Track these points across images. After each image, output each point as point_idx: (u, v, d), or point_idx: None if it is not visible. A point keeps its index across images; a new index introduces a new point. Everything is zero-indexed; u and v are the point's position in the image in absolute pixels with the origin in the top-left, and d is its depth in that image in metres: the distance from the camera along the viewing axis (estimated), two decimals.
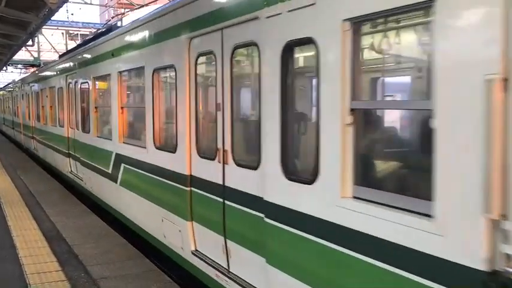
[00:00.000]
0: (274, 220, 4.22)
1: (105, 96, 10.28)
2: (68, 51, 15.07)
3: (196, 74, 5.66)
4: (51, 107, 15.39)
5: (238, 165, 4.85)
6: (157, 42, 6.61)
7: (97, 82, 10.26)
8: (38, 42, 28.85)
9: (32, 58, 30.91)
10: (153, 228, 7.04)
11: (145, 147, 7.15)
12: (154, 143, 6.82)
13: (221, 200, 5.14)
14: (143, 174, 7.29)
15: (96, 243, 7.49)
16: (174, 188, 6.17)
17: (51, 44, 30.23)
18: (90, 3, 31.65)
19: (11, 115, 27.87)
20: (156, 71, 6.75)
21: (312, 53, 3.77)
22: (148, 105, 6.97)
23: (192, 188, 5.78)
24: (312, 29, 3.68)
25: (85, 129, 11.02)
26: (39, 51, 30.65)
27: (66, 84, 12.96)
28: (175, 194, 6.15)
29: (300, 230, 3.91)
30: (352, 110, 3.39)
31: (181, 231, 6.00)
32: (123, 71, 8.40)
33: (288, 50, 4.00)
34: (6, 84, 34.66)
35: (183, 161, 5.85)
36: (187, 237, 5.88)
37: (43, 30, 24.90)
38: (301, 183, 3.88)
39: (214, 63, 5.22)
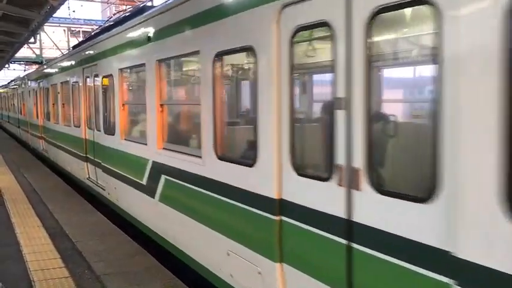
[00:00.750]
0: None
1: (137, 91, 8.55)
2: (84, 41, 12.70)
3: (291, 57, 3.84)
4: (63, 104, 13.38)
5: (385, 193, 3.07)
6: (223, 17, 4.77)
7: (125, 74, 8.29)
8: (40, 40, 28.88)
9: (34, 55, 30.99)
10: (210, 261, 5.31)
11: (200, 157, 5.32)
12: (215, 151, 5.00)
13: (344, 241, 3.38)
14: (197, 191, 5.45)
15: (99, 240, 7.29)
16: (250, 214, 4.41)
17: (53, 41, 30.14)
18: (92, 0, 31.70)
19: (17, 113, 26.12)
20: (220, 56, 4.91)
21: None
22: (207, 101, 5.11)
23: (284, 218, 4.00)
24: None
25: (108, 130, 9.01)
26: (41, 49, 30.48)
27: (83, 79, 10.89)
28: (252, 222, 4.41)
29: None
30: None
31: (263, 273, 4.29)
32: (165, 59, 6.47)
33: None
34: (11, 80, 32.91)
35: (268, 178, 4.08)
36: (273, 284, 4.16)
37: (45, 27, 24.72)
38: None
39: (330, 39, 3.45)
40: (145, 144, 7.01)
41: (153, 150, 6.72)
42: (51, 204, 9.90)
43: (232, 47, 4.69)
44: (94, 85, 9.97)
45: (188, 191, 5.70)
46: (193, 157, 5.53)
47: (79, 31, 38.04)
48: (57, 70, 14.46)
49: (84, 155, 10.87)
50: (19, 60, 32.05)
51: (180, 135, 6.71)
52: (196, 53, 5.40)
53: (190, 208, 5.72)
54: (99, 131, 9.63)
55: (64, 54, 15.55)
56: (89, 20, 38.78)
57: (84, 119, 10.89)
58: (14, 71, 38.99)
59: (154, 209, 6.76)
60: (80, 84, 11.18)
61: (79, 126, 11.36)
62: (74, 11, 33.23)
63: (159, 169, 6.58)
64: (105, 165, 9.27)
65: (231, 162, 4.76)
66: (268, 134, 4.10)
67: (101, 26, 14.76)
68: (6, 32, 17.00)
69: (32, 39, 20.53)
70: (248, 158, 4.47)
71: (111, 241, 7.32)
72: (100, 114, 9.57)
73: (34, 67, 28.42)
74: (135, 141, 7.69)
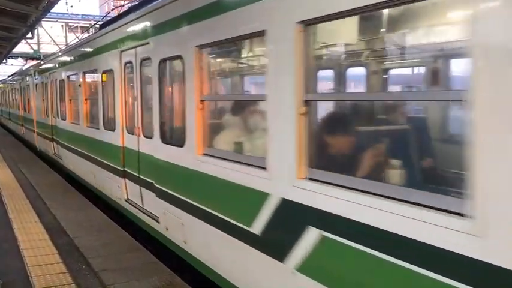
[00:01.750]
0: None
1: (235, 79, 6.51)
2: (120, 15, 9.25)
3: None
4: (86, 100, 10.54)
5: None
6: None
7: (210, 53, 5.59)
8: (38, 35, 28.83)
9: (32, 51, 30.94)
10: None
11: (461, 215, 2.45)
12: None
13: None
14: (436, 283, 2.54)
15: (97, 236, 7.20)
16: None
17: (50, 37, 30.14)
18: None
19: (19, 109, 23.64)
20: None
21: None
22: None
23: None
24: None
25: (170, 139, 6.26)
26: (38, 44, 30.53)
27: (121, 65, 7.99)
28: None
29: None
30: None
31: None
32: (320, 18, 3.38)
33: None
34: (13, 73, 30.86)
35: None
36: None
37: (42, 22, 24.69)
38: None
39: None
40: (263, 168, 4.14)
41: (284, 181, 3.88)
42: (49, 199, 9.82)
43: None
44: (141, 73, 7.23)
45: (403, 274, 2.81)
46: (428, 213, 2.64)
47: (77, 26, 38.03)
48: (77, 57, 11.44)
49: (122, 169, 8.18)
50: (17, 56, 32.02)
51: (364, 158, 3.70)
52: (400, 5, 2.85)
53: None
54: (150, 138, 6.80)
55: (87, 37, 12.34)
56: (86, 15, 38.74)
57: (122, 120, 8.13)
58: (12, 66, 38.91)
59: (284, 281, 3.96)
60: (116, 73, 8.23)
61: (113, 130, 8.49)
62: (71, 6, 33.15)
63: (300, 215, 3.77)
64: (163, 188, 6.34)
65: None
66: None
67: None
68: (3, 27, 16.87)
69: (29, 35, 20.46)
70: None
71: (109, 237, 7.27)
72: (152, 115, 6.62)
73: (33, 62, 28.27)
74: (233, 161, 4.71)
